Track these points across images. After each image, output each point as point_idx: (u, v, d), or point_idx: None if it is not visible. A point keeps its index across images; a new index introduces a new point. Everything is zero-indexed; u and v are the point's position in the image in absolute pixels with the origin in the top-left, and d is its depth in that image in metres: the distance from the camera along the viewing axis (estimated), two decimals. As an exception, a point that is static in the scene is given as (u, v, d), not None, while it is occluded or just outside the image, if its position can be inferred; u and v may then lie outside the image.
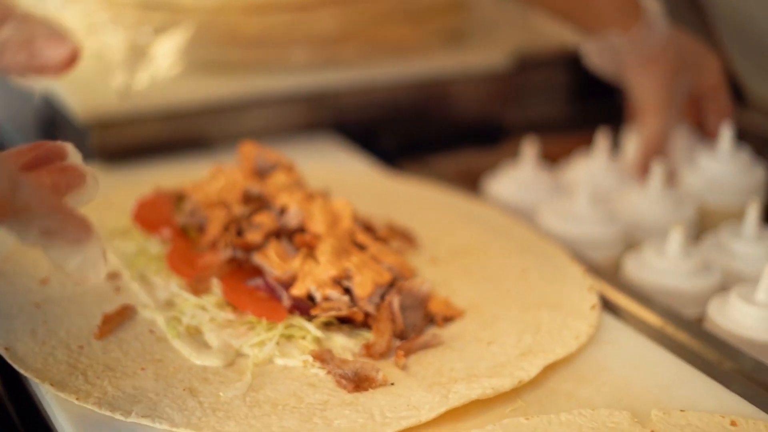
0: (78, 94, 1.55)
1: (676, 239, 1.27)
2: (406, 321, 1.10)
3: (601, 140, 1.53)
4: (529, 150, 1.49)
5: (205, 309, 1.11)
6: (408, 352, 1.06)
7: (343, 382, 1.01)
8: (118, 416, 0.96)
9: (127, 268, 1.20)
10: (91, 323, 1.09)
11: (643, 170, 1.52)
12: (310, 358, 1.04)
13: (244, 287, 1.13)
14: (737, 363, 1.12)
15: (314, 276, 1.10)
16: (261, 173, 1.28)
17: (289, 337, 1.08)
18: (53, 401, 0.99)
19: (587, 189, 1.38)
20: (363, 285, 1.10)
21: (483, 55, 1.78)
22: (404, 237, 1.28)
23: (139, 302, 1.14)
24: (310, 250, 1.15)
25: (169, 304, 1.13)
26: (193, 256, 1.19)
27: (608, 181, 1.50)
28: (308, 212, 1.19)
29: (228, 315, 1.10)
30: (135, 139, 1.54)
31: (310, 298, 1.10)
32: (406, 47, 1.74)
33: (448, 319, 1.13)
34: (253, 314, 1.09)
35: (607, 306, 1.20)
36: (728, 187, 1.48)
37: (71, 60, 0.91)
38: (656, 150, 1.53)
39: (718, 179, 1.48)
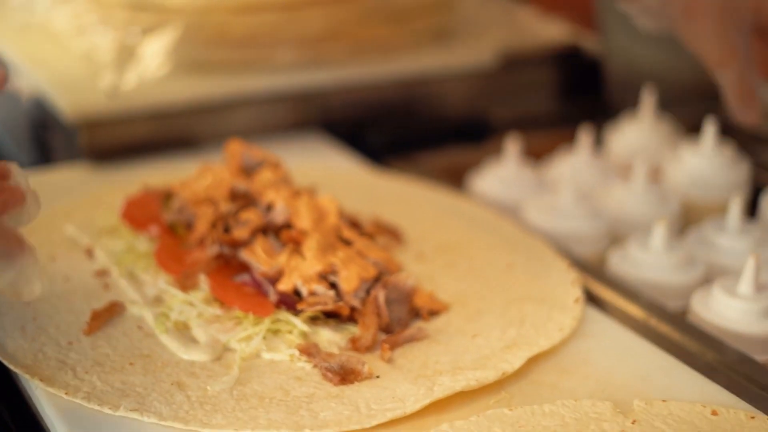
0: (67, 94, 1.56)
1: (659, 233, 1.29)
2: (391, 315, 1.11)
3: (584, 136, 1.54)
4: (513, 147, 1.50)
5: (193, 305, 1.13)
6: (393, 346, 1.08)
7: (329, 375, 1.03)
8: (106, 410, 0.97)
9: (115, 265, 1.21)
10: (80, 320, 1.11)
11: (748, 116, 1.41)
12: (297, 352, 1.06)
13: (232, 283, 1.14)
14: (720, 354, 1.13)
15: (300, 271, 1.12)
16: (248, 171, 1.29)
17: (275, 332, 1.09)
18: (43, 396, 1.00)
19: (571, 184, 1.40)
20: (349, 280, 1.11)
21: (469, 54, 1.79)
22: (390, 233, 1.29)
23: (128, 299, 1.15)
24: (296, 245, 1.16)
25: (157, 301, 1.15)
26: (180, 253, 1.20)
27: (592, 177, 1.51)
28: (294, 209, 1.20)
29: (215, 310, 1.12)
30: (123, 139, 1.55)
31: (297, 293, 1.12)
32: (392, 46, 1.75)
33: (433, 313, 1.15)
34: (240, 309, 1.11)
35: (592, 299, 1.22)
36: (712, 182, 1.49)
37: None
38: (741, 99, 1.41)
39: (701, 174, 1.50)
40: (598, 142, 1.64)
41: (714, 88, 1.47)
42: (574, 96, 1.87)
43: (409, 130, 1.71)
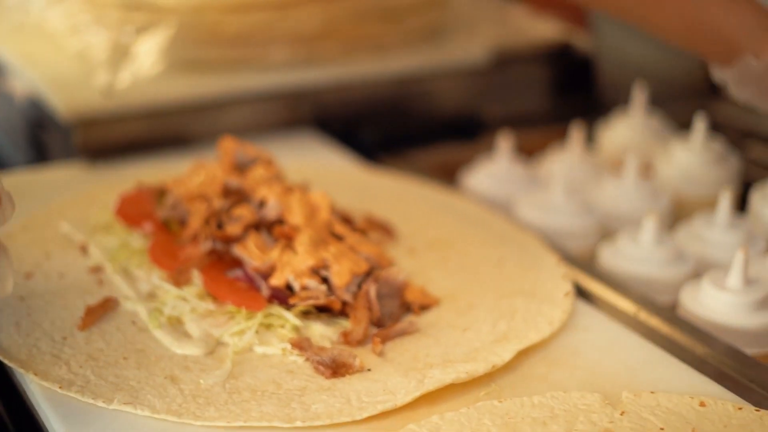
0: (62, 93, 1.57)
1: (649, 228, 1.30)
2: (382, 309, 1.12)
3: (576, 133, 1.55)
4: (505, 144, 1.51)
5: (186, 300, 1.14)
6: (385, 339, 1.09)
7: (321, 368, 1.04)
8: (100, 404, 0.98)
9: (109, 261, 1.22)
10: (74, 315, 1.12)
11: None
12: (289, 346, 1.07)
13: (224, 278, 1.15)
14: (709, 347, 1.14)
15: (293, 266, 1.13)
16: (241, 167, 1.30)
17: (268, 326, 1.10)
18: (37, 390, 1.01)
19: (563, 180, 1.41)
20: (340, 274, 1.12)
21: (461, 51, 1.80)
22: (383, 229, 1.30)
23: (122, 294, 1.16)
24: (288, 241, 1.17)
25: (151, 296, 1.16)
26: (174, 249, 1.21)
27: (583, 174, 1.52)
28: (287, 205, 1.21)
29: (208, 305, 1.13)
30: (118, 137, 1.56)
31: (289, 287, 1.13)
32: (385, 44, 1.76)
33: (424, 308, 1.16)
34: (233, 304, 1.12)
35: (582, 294, 1.23)
36: (702, 177, 1.50)
37: None
38: None
39: (691, 170, 1.51)
40: (590, 138, 1.65)
41: (703, 85, 1.49)
42: (566, 93, 1.88)
43: (402, 127, 1.72)
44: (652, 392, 1.01)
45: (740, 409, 0.99)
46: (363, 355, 1.06)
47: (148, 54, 1.62)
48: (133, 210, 1.29)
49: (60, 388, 1.00)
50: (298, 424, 0.96)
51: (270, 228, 1.20)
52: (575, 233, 1.39)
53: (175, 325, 1.11)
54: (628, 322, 1.18)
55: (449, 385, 1.02)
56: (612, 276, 1.29)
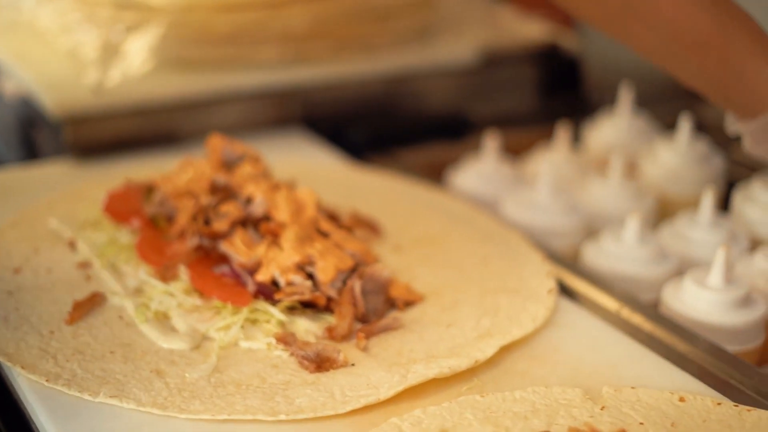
0: (52, 91, 1.58)
1: (632, 227, 1.31)
2: (367, 305, 1.13)
3: (562, 133, 1.56)
4: (491, 143, 1.53)
5: (173, 295, 1.15)
6: (369, 335, 1.10)
7: (306, 363, 1.05)
8: (86, 396, 0.99)
9: (97, 257, 1.23)
10: (62, 310, 1.13)
11: None
12: (274, 341, 1.08)
13: (211, 274, 1.16)
14: (690, 344, 1.15)
15: (278, 262, 1.14)
16: (228, 165, 1.31)
17: (253, 321, 1.11)
18: (24, 384, 1.02)
19: (548, 179, 1.42)
20: (325, 270, 1.13)
21: (450, 52, 1.81)
22: (369, 226, 1.31)
23: (109, 290, 1.17)
24: (274, 237, 1.18)
25: (138, 291, 1.17)
26: (161, 245, 1.22)
27: (569, 173, 1.54)
28: (273, 201, 1.22)
29: (195, 300, 1.14)
30: (108, 135, 1.56)
31: (275, 283, 1.14)
32: (374, 44, 1.77)
33: (409, 304, 1.17)
34: (219, 299, 1.13)
35: (566, 291, 1.24)
36: (686, 176, 1.52)
37: None
38: None
39: (676, 170, 1.52)
40: (576, 138, 1.66)
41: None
42: (553, 93, 1.89)
43: (390, 126, 1.73)
44: (632, 387, 1.03)
45: (719, 404, 1.01)
46: (347, 351, 1.08)
47: (138, 52, 1.63)
48: (121, 206, 1.30)
49: (47, 381, 1.01)
50: (282, 417, 0.97)
51: (256, 224, 1.21)
52: (560, 232, 1.41)
53: (162, 320, 1.12)
54: (611, 320, 1.19)
55: (432, 380, 1.04)
56: (596, 274, 1.30)
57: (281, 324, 1.11)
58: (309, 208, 1.22)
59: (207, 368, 1.04)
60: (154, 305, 1.13)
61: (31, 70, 1.66)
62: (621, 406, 1.00)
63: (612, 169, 1.47)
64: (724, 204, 1.49)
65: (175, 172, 1.31)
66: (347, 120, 1.71)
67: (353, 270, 1.16)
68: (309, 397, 1.00)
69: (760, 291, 1.23)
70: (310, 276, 1.14)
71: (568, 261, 1.33)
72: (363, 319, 1.13)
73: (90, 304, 1.13)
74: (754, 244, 1.37)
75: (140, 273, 1.19)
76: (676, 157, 1.53)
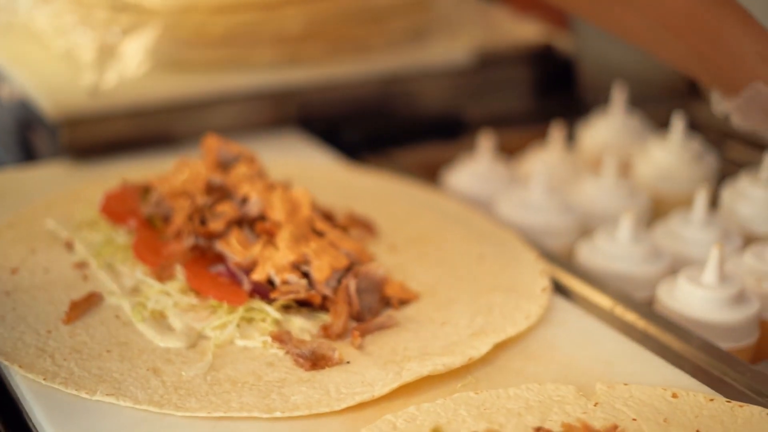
0: (48, 93, 1.58)
1: (626, 225, 1.31)
2: (362, 303, 1.14)
3: (556, 133, 1.57)
4: (486, 143, 1.53)
5: (169, 294, 1.15)
6: (364, 333, 1.11)
7: (301, 360, 1.06)
8: (83, 395, 1.00)
9: (94, 257, 1.23)
10: (59, 310, 1.13)
11: None
12: (269, 339, 1.09)
13: (207, 273, 1.17)
14: (684, 342, 1.16)
15: (274, 261, 1.14)
16: (224, 165, 1.32)
17: (249, 320, 1.12)
18: (22, 382, 1.03)
19: (543, 178, 1.42)
20: (320, 269, 1.14)
21: (444, 52, 1.82)
22: (364, 225, 1.32)
23: (106, 289, 1.18)
24: (270, 237, 1.19)
25: (134, 291, 1.17)
26: (158, 245, 1.23)
27: (563, 172, 1.54)
28: (268, 201, 1.23)
29: (191, 300, 1.14)
30: (104, 136, 1.57)
31: (270, 282, 1.15)
32: (369, 45, 1.78)
33: (403, 302, 1.18)
34: (215, 298, 1.13)
35: (560, 290, 1.25)
36: (679, 175, 1.53)
37: None
38: None
39: (669, 169, 1.53)
40: (570, 138, 1.67)
41: (682, 86, 1.51)
42: (547, 93, 1.90)
43: (385, 127, 1.73)
44: (625, 384, 1.03)
45: (711, 400, 1.01)
46: (342, 348, 1.08)
47: (134, 54, 1.64)
48: (117, 207, 1.30)
49: (44, 379, 1.02)
50: (278, 414, 0.98)
51: (252, 224, 1.22)
52: (555, 231, 1.41)
53: (158, 319, 1.13)
54: (605, 318, 1.20)
55: (427, 378, 1.04)
56: (590, 273, 1.31)
57: (277, 322, 1.11)
58: (304, 208, 1.23)
59: (203, 366, 1.05)
60: (150, 304, 1.14)
61: (28, 72, 1.66)
62: (614, 402, 1.01)
63: (606, 169, 1.47)
64: (717, 202, 1.50)
65: (171, 173, 1.32)
66: (342, 120, 1.72)
67: (348, 269, 1.17)
68: (304, 394, 1.01)
69: (749, 289, 1.24)
70: (306, 275, 1.15)
71: (563, 260, 1.34)
72: (358, 317, 1.13)
73: (87, 304, 1.14)
74: (745, 240, 1.38)
75: (137, 273, 1.19)
76: (669, 156, 1.54)
